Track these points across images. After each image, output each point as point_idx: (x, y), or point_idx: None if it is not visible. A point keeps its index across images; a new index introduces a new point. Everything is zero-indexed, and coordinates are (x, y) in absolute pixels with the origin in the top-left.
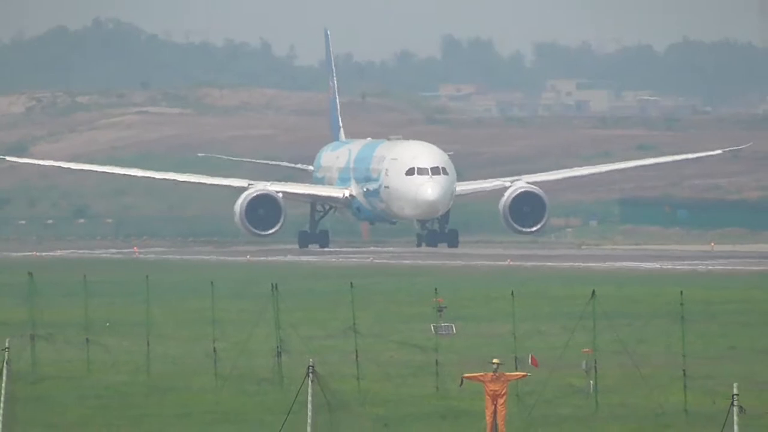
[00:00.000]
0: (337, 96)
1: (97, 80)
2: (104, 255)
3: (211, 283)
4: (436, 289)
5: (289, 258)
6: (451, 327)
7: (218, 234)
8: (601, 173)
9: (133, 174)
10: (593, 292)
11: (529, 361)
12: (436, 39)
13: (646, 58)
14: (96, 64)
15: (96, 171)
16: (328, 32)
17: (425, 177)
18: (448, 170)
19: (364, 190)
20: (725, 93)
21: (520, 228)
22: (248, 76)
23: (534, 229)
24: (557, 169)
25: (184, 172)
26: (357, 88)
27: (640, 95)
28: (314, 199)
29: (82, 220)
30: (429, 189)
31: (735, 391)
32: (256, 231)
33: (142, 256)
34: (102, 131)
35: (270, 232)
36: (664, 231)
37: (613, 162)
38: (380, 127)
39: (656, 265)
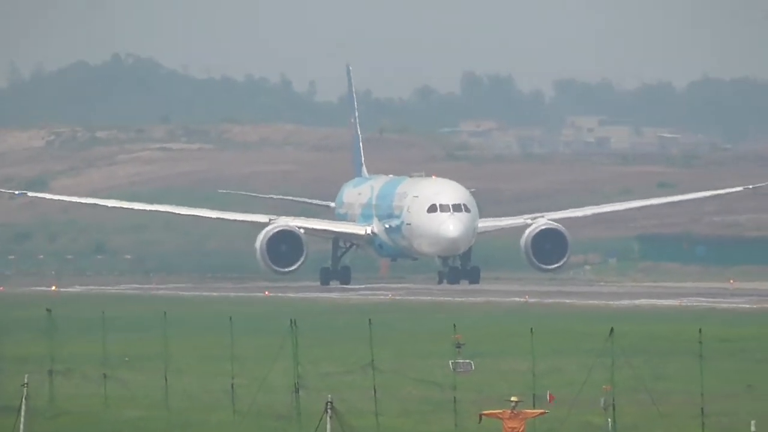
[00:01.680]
0: (359, 132)
1: (117, 115)
2: (123, 290)
3: (230, 318)
4: (454, 326)
5: (309, 294)
6: (470, 364)
7: (238, 270)
8: (620, 210)
9: (152, 209)
10: (611, 329)
11: (548, 398)
12: (456, 75)
13: (667, 95)
14: (116, 99)
15: (115, 206)
16: (350, 68)
17: (447, 214)
18: (470, 207)
19: (386, 226)
20: (745, 130)
21: (541, 265)
22: (268, 111)
23: (556, 266)
24: (578, 206)
25: (204, 208)
26: (376, 124)
27: (660, 132)
28: (336, 236)
29: (101, 256)
30: (451, 226)
31: (753, 428)
32: (278, 268)
33: (160, 291)
34: (121, 166)
35: (291, 268)
36: (683, 268)
37: (633, 199)
38: (400, 163)
39: (675, 302)
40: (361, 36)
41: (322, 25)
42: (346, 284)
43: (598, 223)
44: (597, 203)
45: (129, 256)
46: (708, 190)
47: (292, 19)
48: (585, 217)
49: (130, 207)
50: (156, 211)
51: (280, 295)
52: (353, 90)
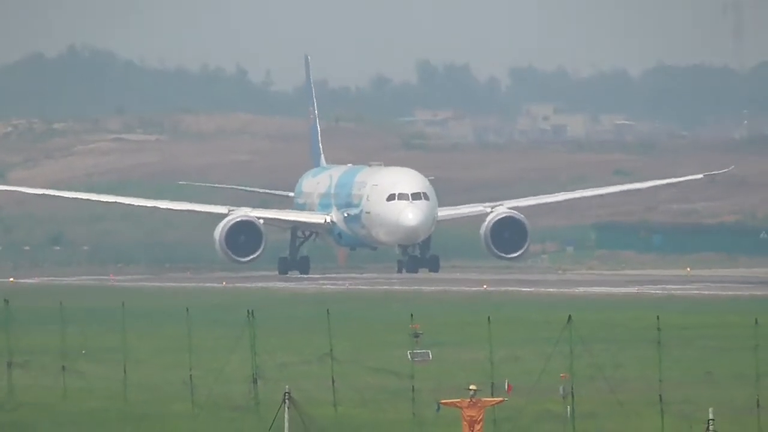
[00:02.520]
0: (317, 122)
1: (73, 107)
2: (80, 282)
3: (187, 309)
4: (412, 315)
5: (267, 284)
6: (428, 353)
7: (196, 260)
8: (577, 198)
9: (112, 201)
10: (569, 317)
11: (505, 387)
12: (411, 64)
13: (622, 82)
14: (72, 90)
15: (72, 198)
16: (309, 58)
17: (406, 202)
18: (429, 196)
19: (345, 215)
20: (701, 117)
21: (501, 254)
22: (224, 101)
23: (515, 254)
24: (534, 194)
25: (161, 199)
26: (332, 113)
27: (616, 120)
28: (295, 225)
29: (58, 247)
30: (410, 214)
31: (710, 416)
32: (237, 257)
33: (118, 283)
34: (78, 158)
35: (250, 258)
36: (640, 256)
37: (589, 187)
38: (356, 153)
39: (632, 290)
40: (316, 25)
41: (277, 14)
42: (305, 274)
43: (554, 212)
44: (553, 191)
45: (86, 248)
46: (665, 177)
47: (246, 9)
48: (541, 206)
49: (87, 198)
50: (113, 202)
51: (237, 285)
52: (311, 81)
